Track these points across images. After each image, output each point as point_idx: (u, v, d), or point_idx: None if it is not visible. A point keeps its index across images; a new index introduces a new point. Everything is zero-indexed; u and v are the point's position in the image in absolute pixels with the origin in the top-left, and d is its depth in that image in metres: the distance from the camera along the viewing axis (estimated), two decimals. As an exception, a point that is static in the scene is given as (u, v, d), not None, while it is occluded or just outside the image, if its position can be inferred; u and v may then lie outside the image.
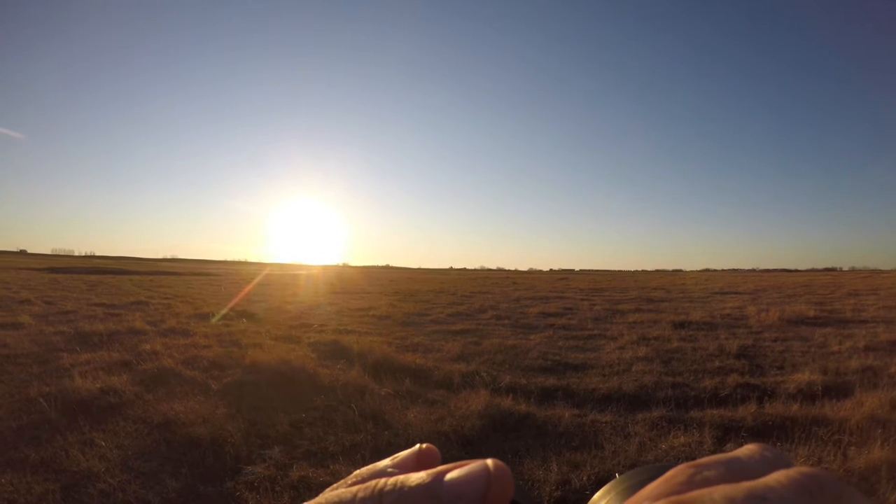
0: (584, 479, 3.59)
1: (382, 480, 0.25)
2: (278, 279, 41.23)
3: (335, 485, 0.28)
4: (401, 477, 0.25)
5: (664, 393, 5.85)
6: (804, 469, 0.21)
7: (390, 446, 4.14)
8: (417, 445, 0.30)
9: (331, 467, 3.68)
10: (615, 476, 0.33)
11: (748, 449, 0.24)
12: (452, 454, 3.97)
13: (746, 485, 0.20)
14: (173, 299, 17.93)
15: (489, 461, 0.25)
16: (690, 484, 0.21)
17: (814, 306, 15.45)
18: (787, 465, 0.22)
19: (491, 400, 5.19)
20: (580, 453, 4.14)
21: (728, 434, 4.56)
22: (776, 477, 0.20)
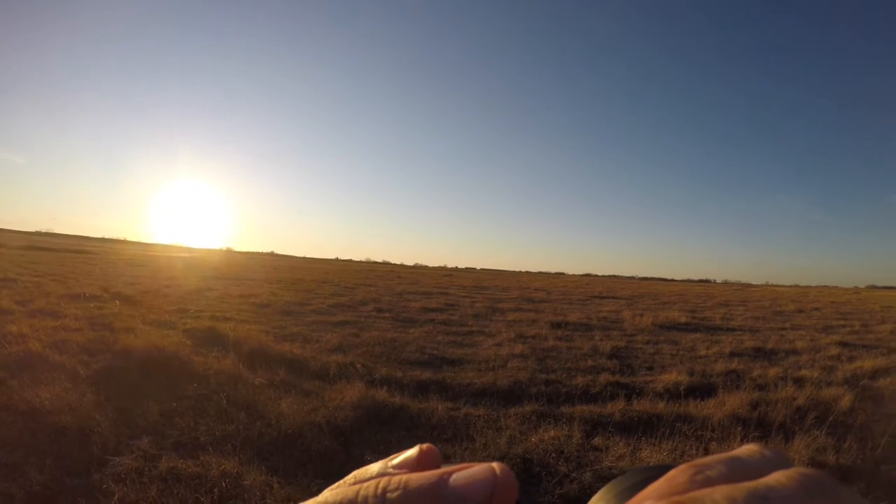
0: (454, 470, 3.96)
1: (385, 479, 0.25)
2: (158, 261, 38.48)
3: (335, 484, 0.27)
4: (404, 476, 0.25)
5: (537, 389, 6.08)
6: (804, 469, 0.21)
7: (262, 436, 4.19)
8: (418, 446, 0.29)
9: (201, 458, 3.58)
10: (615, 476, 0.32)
11: (748, 448, 0.25)
12: (325, 445, 4.14)
13: (747, 485, 0.20)
14: (44, 277, 16.59)
15: (495, 464, 0.25)
16: (692, 483, 0.21)
17: (686, 313, 16.68)
18: (787, 465, 0.23)
19: (366, 392, 5.30)
20: (451, 445, 4.30)
21: (596, 428, 4.79)
22: (776, 477, 0.21)
